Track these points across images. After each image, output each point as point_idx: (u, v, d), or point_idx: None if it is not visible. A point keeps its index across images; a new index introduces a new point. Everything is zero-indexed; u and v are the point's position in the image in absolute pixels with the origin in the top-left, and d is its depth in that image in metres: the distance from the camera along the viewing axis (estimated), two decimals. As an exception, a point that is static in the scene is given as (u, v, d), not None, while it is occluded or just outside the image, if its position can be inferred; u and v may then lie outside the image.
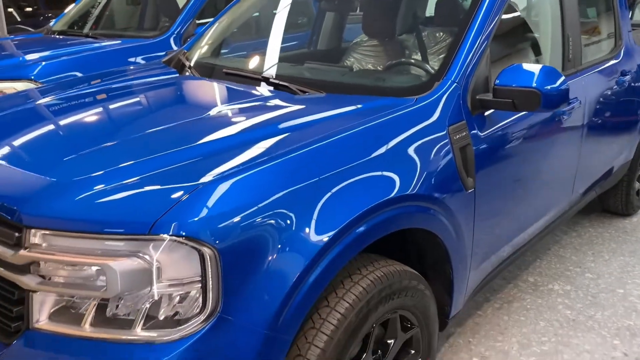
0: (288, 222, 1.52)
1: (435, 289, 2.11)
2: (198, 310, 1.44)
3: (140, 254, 1.39)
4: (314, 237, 1.54)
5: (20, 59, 4.13)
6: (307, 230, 1.54)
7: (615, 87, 3.33)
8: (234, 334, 1.45)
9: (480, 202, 2.16)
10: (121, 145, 1.81)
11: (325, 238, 1.56)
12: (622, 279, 3.36)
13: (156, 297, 1.43)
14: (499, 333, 2.88)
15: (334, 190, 1.63)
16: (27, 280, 1.46)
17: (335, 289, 1.69)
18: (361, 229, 1.66)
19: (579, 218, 4.20)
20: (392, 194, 1.75)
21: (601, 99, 3.16)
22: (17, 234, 1.46)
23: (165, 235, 1.39)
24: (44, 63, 3.99)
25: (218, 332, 1.43)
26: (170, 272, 1.41)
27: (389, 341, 1.95)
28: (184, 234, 1.40)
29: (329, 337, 1.63)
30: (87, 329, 1.46)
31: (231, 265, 1.43)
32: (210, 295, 1.43)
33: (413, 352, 2.08)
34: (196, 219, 1.42)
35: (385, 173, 1.78)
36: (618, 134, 3.57)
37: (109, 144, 1.81)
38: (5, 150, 1.84)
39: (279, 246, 1.49)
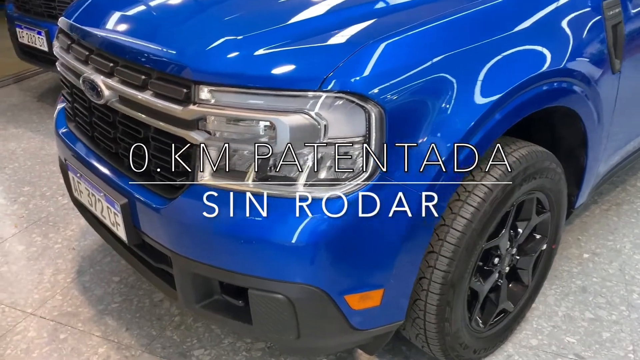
0: (449, 86, 1.49)
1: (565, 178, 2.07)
2: (360, 170, 1.46)
3: (308, 111, 1.41)
4: (473, 106, 1.52)
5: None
6: (467, 97, 1.51)
7: None
8: (393, 196, 1.47)
9: (623, 87, 2.05)
10: (281, 6, 1.81)
11: (484, 108, 1.53)
12: None
13: (320, 155, 1.45)
14: (609, 232, 2.83)
15: (493, 59, 1.58)
16: (195, 135, 1.51)
17: (480, 164, 1.68)
18: (516, 101, 1.62)
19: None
20: (545, 68, 1.69)
21: None
22: (185, 90, 1.50)
23: (334, 92, 1.39)
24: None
25: (378, 192, 1.46)
26: (335, 130, 1.42)
27: (518, 225, 1.96)
28: (352, 91, 1.39)
29: (475, 208, 1.64)
30: (250, 184, 1.51)
31: (395, 126, 1.43)
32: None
33: (539, 236, 2.07)
34: (364, 76, 1.41)
35: (538, 46, 1.71)
36: None
37: (266, 7, 1.82)
38: (172, 8, 1.88)
39: (440, 110, 1.48)
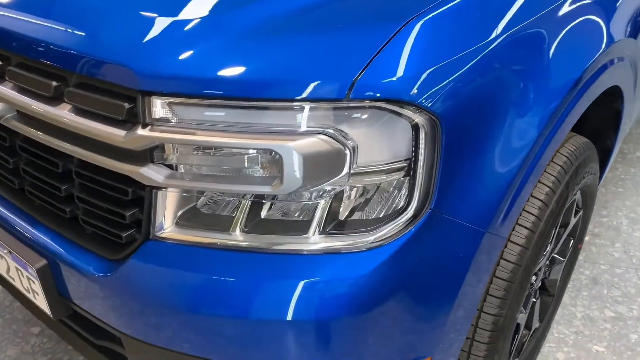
0: (522, 72, 1.06)
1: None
2: (400, 208, 1.01)
3: (329, 130, 0.93)
4: (545, 98, 1.09)
5: None
6: (541, 85, 1.09)
7: None
8: (449, 240, 1.04)
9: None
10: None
11: (559, 96, 1.11)
12: None
13: (347, 190, 0.99)
14: (602, 207, 2.58)
15: (558, 36, 1.15)
16: (149, 174, 0.99)
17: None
18: (588, 83, 1.22)
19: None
20: (606, 43, 1.29)
21: None
22: (127, 105, 0.97)
23: (367, 101, 0.92)
24: None
25: (426, 238, 1.02)
26: (367, 155, 0.96)
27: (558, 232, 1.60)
28: (394, 97, 0.92)
29: (530, 230, 1.24)
30: (238, 236, 1.02)
31: (452, 141, 0.98)
32: (420, 183, 0.99)
33: (569, 238, 1.74)
34: (410, 73, 0.94)
35: (599, 18, 1.30)
36: None
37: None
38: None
39: (513, 110, 1.04)
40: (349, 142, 0.93)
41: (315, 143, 0.92)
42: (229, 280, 1.01)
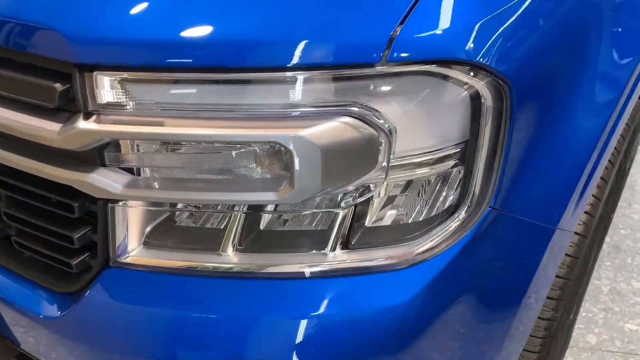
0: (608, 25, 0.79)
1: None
2: (451, 207, 0.74)
3: (354, 109, 0.64)
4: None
5: None
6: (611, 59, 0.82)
7: None
8: (513, 241, 0.78)
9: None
10: None
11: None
12: None
13: (381, 189, 0.72)
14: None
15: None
16: (102, 182, 0.69)
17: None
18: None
19: None
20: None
21: None
22: (59, 86, 0.67)
23: (409, 64, 0.63)
24: None
25: (487, 242, 0.76)
26: (408, 140, 0.68)
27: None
28: (448, 57, 0.64)
29: (589, 215, 1.00)
30: (230, 256, 0.75)
31: (524, 114, 0.71)
32: (479, 175, 0.72)
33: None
34: (464, 25, 0.65)
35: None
36: None
37: None
38: None
39: (595, 71, 0.77)
40: (385, 124, 0.66)
41: (338, 129, 0.64)
42: (219, 316, 0.74)
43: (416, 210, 0.75)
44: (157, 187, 0.70)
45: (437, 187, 0.74)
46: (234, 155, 0.66)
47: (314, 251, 0.74)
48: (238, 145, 0.65)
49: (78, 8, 0.65)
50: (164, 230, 0.78)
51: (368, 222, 0.75)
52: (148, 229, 0.77)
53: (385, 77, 0.64)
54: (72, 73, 0.66)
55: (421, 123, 0.68)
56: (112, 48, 0.64)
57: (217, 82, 0.64)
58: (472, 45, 0.65)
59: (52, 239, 0.80)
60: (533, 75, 0.69)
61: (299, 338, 0.72)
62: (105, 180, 0.69)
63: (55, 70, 0.68)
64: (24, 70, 0.69)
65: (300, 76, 0.63)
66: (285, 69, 0.62)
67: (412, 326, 0.74)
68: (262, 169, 0.68)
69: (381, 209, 0.75)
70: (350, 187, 0.70)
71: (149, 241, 0.77)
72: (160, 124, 0.65)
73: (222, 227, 0.76)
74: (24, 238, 0.83)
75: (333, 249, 0.74)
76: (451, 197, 0.74)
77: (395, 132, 0.67)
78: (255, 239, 0.76)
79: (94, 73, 0.65)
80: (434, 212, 0.75)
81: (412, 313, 0.73)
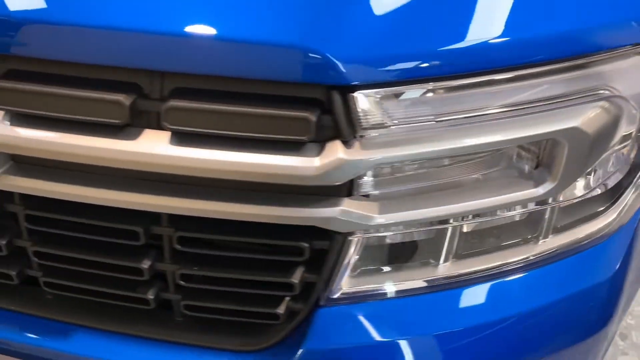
0: None
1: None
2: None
3: (607, 92, 0.65)
4: None
5: None
6: None
7: None
8: None
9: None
10: None
11: None
12: None
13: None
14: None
15: None
16: (356, 216, 0.61)
17: None
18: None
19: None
20: None
21: None
22: (313, 115, 0.57)
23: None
24: None
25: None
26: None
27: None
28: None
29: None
30: (448, 269, 0.71)
31: None
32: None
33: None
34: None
35: None
36: None
37: None
38: None
39: None
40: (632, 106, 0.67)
41: (600, 114, 0.64)
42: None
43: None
44: (411, 207, 0.63)
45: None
46: (502, 157, 0.63)
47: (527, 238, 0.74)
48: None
49: (335, 25, 0.56)
50: (367, 254, 0.71)
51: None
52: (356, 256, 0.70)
53: (629, 57, 0.65)
54: (327, 98, 0.56)
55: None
56: (377, 64, 0.56)
57: (489, 83, 0.59)
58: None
59: (247, 291, 0.68)
60: None
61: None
62: (360, 213, 0.61)
63: (296, 97, 0.57)
64: (259, 103, 0.57)
65: (572, 65, 0.61)
66: (565, 59, 0.60)
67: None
68: (524, 166, 0.66)
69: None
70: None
71: (358, 268, 0.70)
72: (435, 139, 0.59)
73: (432, 237, 0.72)
74: (202, 299, 0.70)
75: (545, 236, 0.74)
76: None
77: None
78: (469, 242, 0.73)
79: (355, 94, 0.57)
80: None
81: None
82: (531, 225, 0.75)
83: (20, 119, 0.61)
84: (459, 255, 0.72)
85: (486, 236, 0.74)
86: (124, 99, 0.57)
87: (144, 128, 0.59)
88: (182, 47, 0.56)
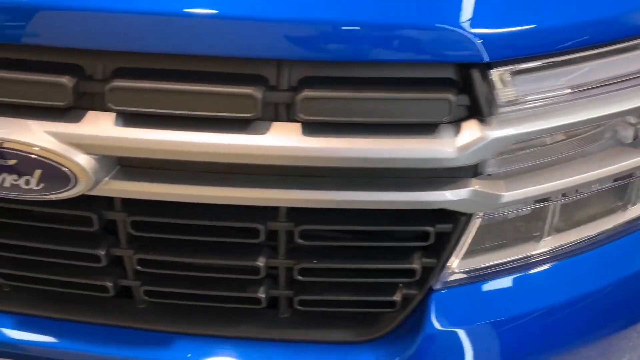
0: None
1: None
2: None
3: None
4: None
5: None
6: None
7: None
8: None
9: None
10: None
11: None
12: None
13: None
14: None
15: None
16: (485, 195, 0.61)
17: None
18: None
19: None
20: None
21: None
22: (452, 96, 0.56)
23: None
24: None
25: None
26: None
27: None
28: None
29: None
30: (550, 240, 0.72)
31: None
32: None
33: None
34: None
35: None
36: None
37: None
38: None
39: None
40: None
41: None
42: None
43: None
44: (532, 183, 0.64)
45: None
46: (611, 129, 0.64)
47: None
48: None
49: (470, 2, 0.55)
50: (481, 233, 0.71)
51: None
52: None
53: None
54: (460, 77, 0.56)
55: None
56: (515, 40, 0.56)
57: (626, 50, 0.61)
58: None
59: (367, 280, 0.67)
60: None
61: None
62: (489, 192, 0.61)
63: (426, 78, 0.56)
64: (390, 87, 0.56)
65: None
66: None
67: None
68: (627, 135, 0.67)
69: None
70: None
71: (471, 249, 0.70)
72: (570, 112, 0.59)
73: (537, 212, 0.73)
74: (315, 292, 0.68)
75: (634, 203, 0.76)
76: None
77: None
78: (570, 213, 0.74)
79: (493, 71, 0.56)
80: None
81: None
82: (619, 193, 0.76)
83: (134, 119, 0.58)
84: (559, 228, 0.73)
85: (581, 207, 0.76)
86: (255, 91, 0.55)
87: (271, 121, 0.57)
88: (318, 36, 0.54)
